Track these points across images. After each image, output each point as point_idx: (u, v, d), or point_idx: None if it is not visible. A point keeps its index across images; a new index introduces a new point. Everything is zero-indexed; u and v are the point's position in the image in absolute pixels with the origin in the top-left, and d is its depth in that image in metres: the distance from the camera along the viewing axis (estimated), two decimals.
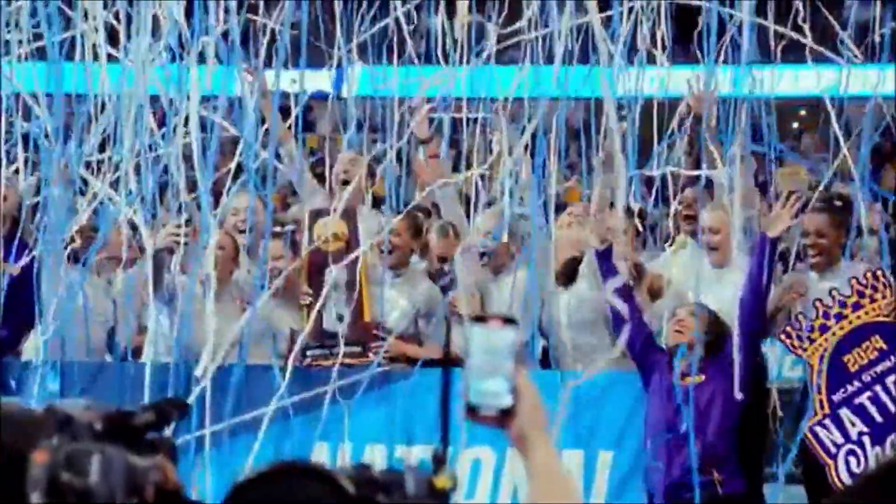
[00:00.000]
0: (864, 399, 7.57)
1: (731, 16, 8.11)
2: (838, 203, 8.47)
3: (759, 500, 7.80)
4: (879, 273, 7.69)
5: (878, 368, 7.59)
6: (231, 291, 8.07)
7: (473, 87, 9.11)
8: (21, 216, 8.33)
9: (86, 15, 7.92)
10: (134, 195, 7.77)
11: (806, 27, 8.68)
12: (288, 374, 7.63)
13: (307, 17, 7.90)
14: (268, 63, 8.25)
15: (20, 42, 8.15)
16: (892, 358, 7.61)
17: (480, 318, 2.53)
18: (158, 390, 7.37)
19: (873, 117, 8.17)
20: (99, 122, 8.02)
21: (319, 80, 9.39)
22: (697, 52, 8.03)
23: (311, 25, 8.06)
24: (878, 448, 7.52)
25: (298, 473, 2.34)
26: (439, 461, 2.44)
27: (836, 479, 7.47)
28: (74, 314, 7.90)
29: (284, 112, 8.73)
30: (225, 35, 7.71)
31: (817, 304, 7.64)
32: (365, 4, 9.11)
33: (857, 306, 7.64)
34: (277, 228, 8.54)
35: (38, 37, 8.15)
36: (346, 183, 8.34)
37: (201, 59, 7.85)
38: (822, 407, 7.58)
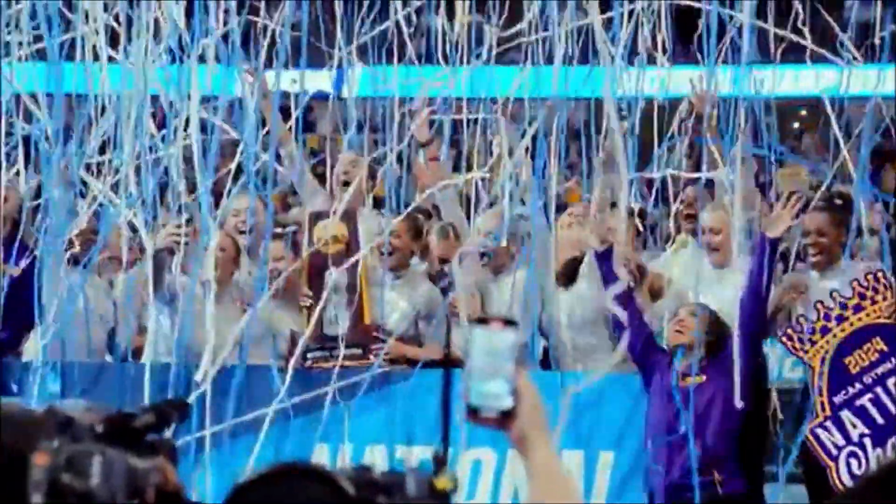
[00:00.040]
0: (865, 401, 7.57)
1: (731, 17, 8.11)
2: (839, 202, 8.47)
3: (760, 500, 7.80)
4: (880, 275, 7.69)
5: (879, 370, 7.59)
6: (231, 293, 8.06)
7: (473, 87, 9.11)
8: (21, 218, 8.33)
9: (86, 17, 7.91)
10: (134, 197, 7.77)
11: (806, 30, 8.68)
12: (288, 376, 7.63)
13: (307, 18, 7.90)
14: (268, 63, 8.25)
15: (20, 44, 8.15)
16: (893, 360, 7.61)
17: (481, 320, 2.53)
18: (158, 391, 7.37)
19: (873, 118, 8.17)
20: (99, 124, 8.01)
21: (320, 81, 9.39)
22: (697, 52, 8.03)
23: (311, 26, 8.06)
24: (879, 450, 7.52)
25: (299, 475, 2.34)
26: (440, 462, 2.44)
27: (837, 481, 7.47)
28: (75, 316, 7.90)
29: (285, 112, 8.73)
30: (225, 36, 7.71)
31: (818, 305, 7.64)
32: (365, 6, 9.11)
33: (857, 308, 7.64)
34: (278, 230, 8.54)
35: (38, 38, 8.14)
36: (346, 184, 8.34)
37: (201, 60, 7.85)
38: (823, 409, 7.58)
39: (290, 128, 8.74)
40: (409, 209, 8.33)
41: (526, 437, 2.52)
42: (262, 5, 8.67)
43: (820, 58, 8.90)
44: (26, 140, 8.38)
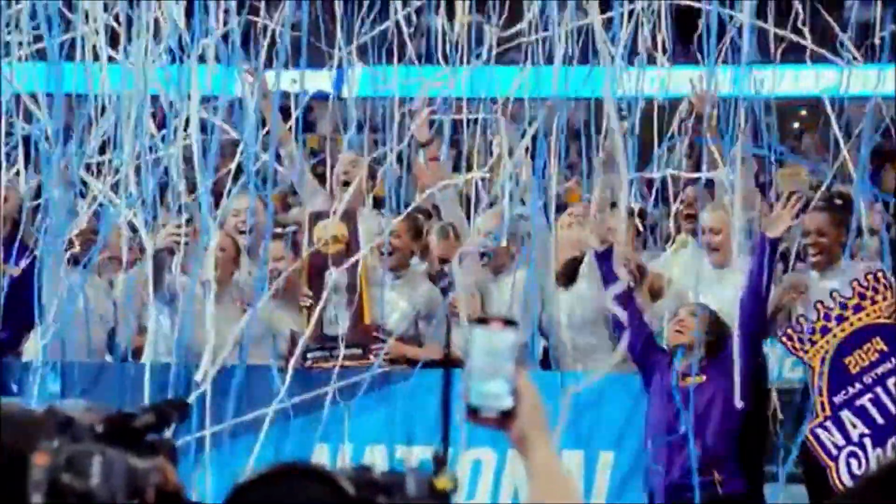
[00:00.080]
0: (865, 401, 7.56)
1: (731, 17, 8.10)
2: (839, 202, 8.46)
3: (760, 500, 7.80)
4: (880, 274, 7.69)
5: (879, 370, 7.59)
6: (231, 293, 8.06)
7: (473, 87, 9.10)
8: (22, 218, 8.33)
9: (86, 17, 7.91)
10: (134, 198, 7.76)
11: (806, 30, 8.68)
12: (288, 376, 7.63)
13: (307, 18, 7.90)
14: (268, 63, 8.25)
15: (20, 44, 8.15)
16: (893, 360, 7.61)
17: (481, 320, 2.53)
18: (158, 391, 7.37)
19: (873, 118, 8.17)
20: (99, 124, 8.01)
21: (320, 80, 9.39)
22: (697, 53, 8.03)
23: (311, 26, 8.06)
24: (879, 450, 7.52)
25: (299, 475, 2.34)
26: (440, 462, 2.44)
27: (837, 482, 7.47)
28: (75, 316, 7.89)
29: (285, 112, 8.73)
30: (225, 37, 7.70)
31: (818, 306, 7.64)
32: (365, 6, 9.10)
33: (857, 308, 7.64)
34: (278, 230, 8.54)
35: (38, 38, 8.14)
36: (346, 184, 8.34)
37: (201, 60, 7.85)
38: (823, 409, 7.58)
39: (290, 128, 8.74)
40: (409, 209, 8.33)
41: (526, 438, 2.52)
42: (262, 5, 8.67)
43: (820, 58, 8.90)
44: (26, 140, 8.37)
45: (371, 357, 7.83)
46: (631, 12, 8.39)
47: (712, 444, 7.41)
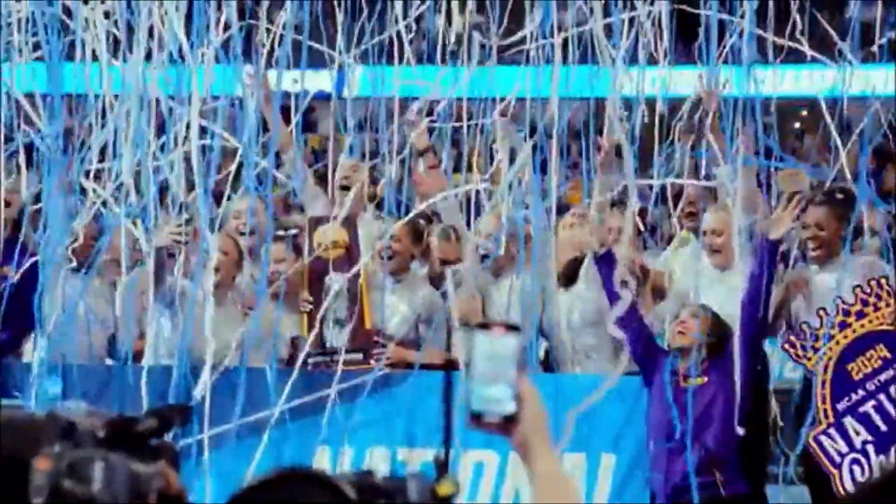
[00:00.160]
0: (868, 408, 7.55)
1: (731, 21, 8.08)
2: (839, 196, 8.44)
3: (762, 501, 7.80)
4: (883, 281, 7.67)
5: (883, 377, 7.57)
6: (233, 296, 8.05)
7: (474, 87, 9.09)
8: (23, 220, 8.32)
9: (86, 23, 7.90)
10: (135, 207, 7.75)
11: (804, 39, 8.67)
12: (291, 380, 7.62)
13: (308, 19, 7.89)
14: (269, 64, 8.24)
15: (20, 50, 8.14)
16: None
17: (483, 325, 2.53)
18: (159, 394, 7.37)
19: (874, 118, 8.16)
20: (99, 130, 7.98)
21: (320, 80, 9.39)
22: (697, 55, 8.02)
23: (312, 28, 8.06)
24: (882, 457, 7.51)
25: (300, 480, 2.34)
26: (441, 466, 2.44)
27: (840, 489, 7.45)
28: (76, 322, 7.88)
29: (285, 112, 8.73)
30: (226, 42, 7.69)
31: (820, 312, 7.62)
32: (366, 11, 9.10)
33: (860, 315, 7.62)
34: (280, 232, 8.53)
35: (37, 46, 8.13)
36: (345, 189, 8.33)
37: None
38: (826, 416, 7.56)
39: (291, 131, 8.73)
40: (410, 217, 8.31)
41: (528, 442, 2.52)
42: (264, 7, 8.66)
43: (819, 62, 8.91)
44: (28, 144, 8.37)
45: (372, 362, 7.84)
46: (632, 19, 8.37)
47: (714, 445, 7.40)
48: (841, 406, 7.56)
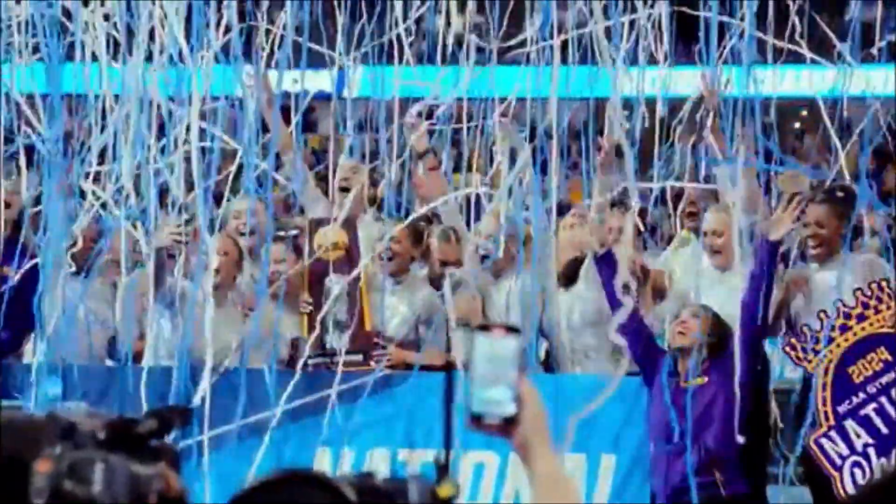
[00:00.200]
0: (869, 410, 7.55)
1: (731, 22, 8.08)
2: (840, 194, 8.43)
3: (762, 501, 7.80)
4: (884, 284, 7.67)
5: (884, 380, 7.57)
6: (233, 297, 8.06)
7: (474, 87, 9.08)
8: (24, 220, 8.31)
9: (86, 26, 7.89)
10: (134, 209, 7.75)
11: (803, 42, 8.66)
12: (293, 382, 7.61)
13: (308, 19, 7.89)
14: (269, 65, 8.24)
15: (20, 52, 8.14)
16: None
17: (483, 327, 2.53)
18: (159, 395, 7.36)
19: (874, 119, 8.16)
20: (99, 133, 7.98)
21: (320, 80, 9.39)
22: (697, 56, 8.01)
23: (312, 27, 8.06)
24: (883, 460, 7.50)
25: (300, 481, 2.34)
26: (442, 468, 2.44)
27: (841, 492, 7.44)
28: (75, 324, 7.87)
29: (285, 112, 8.73)
30: (226, 44, 7.68)
31: (821, 315, 7.62)
32: (366, 14, 9.10)
33: (861, 318, 7.62)
34: (280, 232, 8.53)
35: (36, 49, 8.12)
36: (345, 190, 8.33)
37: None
38: (826, 419, 7.56)
39: (291, 132, 8.73)
40: (410, 220, 8.31)
41: (528, 444, 2.52)
42: (263, 8, 8.66)
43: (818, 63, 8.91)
44: (28, 145, 8.37)
45: (372, 363, 7.84)
46: (632, 23, 8.36)
47: (714, 445, 7.40)
48: (842, 409, 7.55)
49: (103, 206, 8.03)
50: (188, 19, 7.65)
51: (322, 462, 7.70)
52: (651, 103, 8.82)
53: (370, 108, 9.31)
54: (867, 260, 8.21)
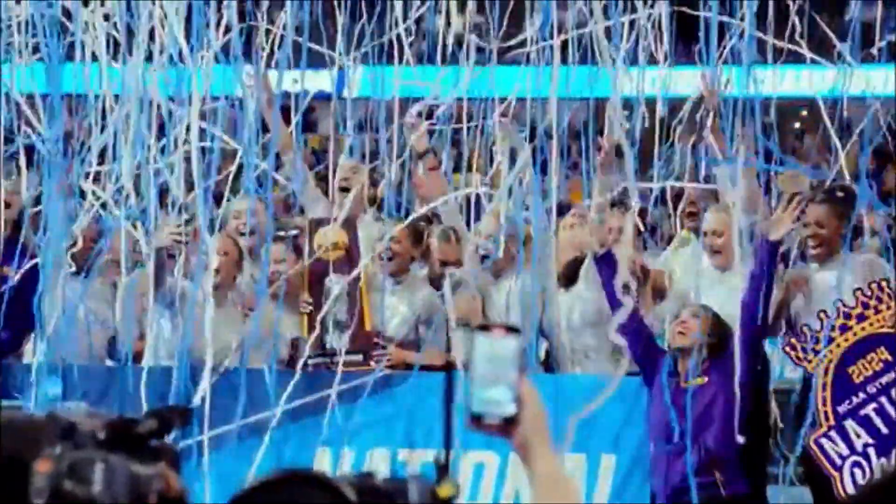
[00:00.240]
0: (869, 410, 7.55)
1: (731, 23, 8.07)
2: (840, 194, 8.44)
3: (762, 501, 7.80)
4: (884, 284, 7.67)
5: (884, 380, 7.57)
6: (233, 297, 8.06)
7: (474, 87, 9.08)
8: (24, 220, 8.31)
9: (86, 26, 7.89)
10: (134, 210, 7.75)
11: (803, 42, 8.66)
12: (293, 382, 7.61)
13: (308, 19, 7.89)
14: (269, 65, 8.24)
15: (20, 52, 8.14)
16: None
17: (483, 327, 2.53)
18: (159, 395, 7.36)
19: (874, 119, 8.16)
20: (99, 133, 7.98)
21: (321, 80, 9.39)
22: (697, 56, 8.01)
23: (312, 27, 8.06)
24: (883, 460, 7.50)
25: (300, 481, 2.34)
26: (442, 468, 2.44)
27: (841, 492, 7.44)
28: (76, 324, 7.87)
29: (285, 112, 8.73)
30: (226, 44, 7.68)
31: (821, 315, 7.62)
32: (366, 15, 9.10)
33: (861, 318, 7.62)
34: (280, 233, 8.53)
35: (36, 49, 8.12)
36: (345, 190, 8.33)
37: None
38: (826, 419, 7.56)
39: (291, 132, 8.73)
40: (410, 220, 8.31)
41: (528, 444, 2.52)
42: (263, 8, 8.66)
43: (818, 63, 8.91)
44: (28, 145, 8.37)
45: (372, 363, 7.85)
46: (632, 23, 8.36)
47: (714, 445, 7.41)
48: (842, 409, 7.55)
49: (103, 206, 8.03)
50: (188, 19, 7.65)
51: (322, 462, 7.71)
52: (651, 103, 8.81)
53: (370, 108, 9.31)
54: (867, 260, 8.22)
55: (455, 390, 2.53)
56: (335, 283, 7.96)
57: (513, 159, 7.92)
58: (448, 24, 8.94)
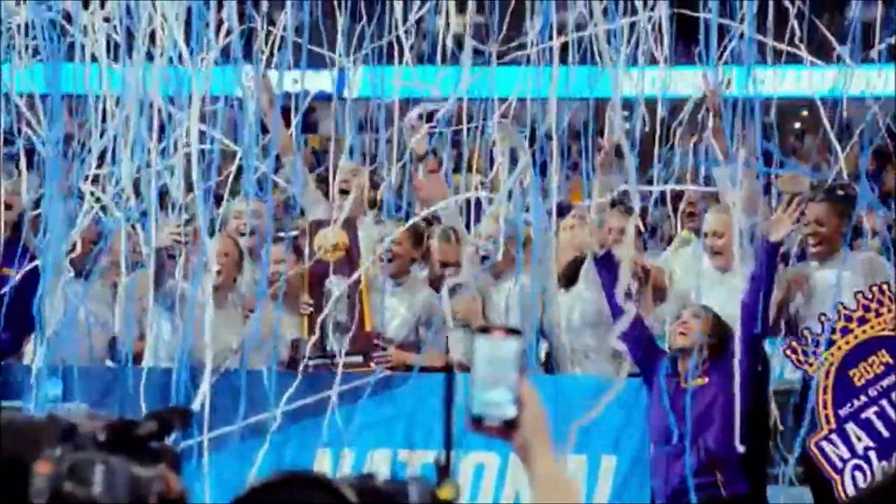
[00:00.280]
0: (870, 414, 7.55)
1: (731, 24, 8.07)
2: (840, 192, 8.44)
3: (763, 502, 7.80)
4: (885, 287, 7.67)
5: (885, 383, 7.56)
6: (234, 298, 8.06)
7: (474, 88, 9.07)
8: (24, 221, 8.32)
9: (86, 28, 7.89)
10: (134, 212, 7.75)
11: (803, 45, 8.66)
12: (295, 383, 7.61)
13: (308, 19, 7.89)
14: (269, 65, 8.24)
15: (20, 54, 8.14)
16: None
17: (484, 329, 2.53)
18: (159, 396, 7.36)
19: (874, 119, 8.16)
20: (100, 135, 7.97)
21: (321, 81, 9.39)
22: (697, 56, 8.01)
23: (312, 28, 8.06)
24: (884, 463, 7.50)
25: (301, 483, 2.34)
26: (442, 469, 2.44)
27: (842, 495, 7.45)
28: (76, 326, 7.87)
29: (285, 113, 8.73)
30: (226, 47, 7.68)
31: (822, 318, 7.61)
32: (365, 16, 9.10)
33: (862, 321, 7.62)
34: (280, 233, 8.53)
35: (36, 51, 8.13)
36: (344, 192, 8.33)
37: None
38: (827, 422, 7.56)
39: (291, 134, 8.73)
40: (410, 223, 8.31)
41: (529, 446, 2.52)
42: (263, 9, 8.65)
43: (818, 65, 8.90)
44: (29, 146, 8.37)
45: (372, 365, 7.85)
46: (633, 25, 8.35)
47: (714, 445, 7.41)
48: (843, 412, 7.55)
49: (103, 208, 8.03)
50: (188, 21, 7.65)
51: (322, 463, 7.71)
52: (651, 104, 8.81)
53: (370, 108, 9.31)
54: (867, 258, 8.22)
55: (455, 391, 2.53)
56: (335, 285, 7.96)
57: (513, 160, 7.92)
58: (448, 25, 8.93)
